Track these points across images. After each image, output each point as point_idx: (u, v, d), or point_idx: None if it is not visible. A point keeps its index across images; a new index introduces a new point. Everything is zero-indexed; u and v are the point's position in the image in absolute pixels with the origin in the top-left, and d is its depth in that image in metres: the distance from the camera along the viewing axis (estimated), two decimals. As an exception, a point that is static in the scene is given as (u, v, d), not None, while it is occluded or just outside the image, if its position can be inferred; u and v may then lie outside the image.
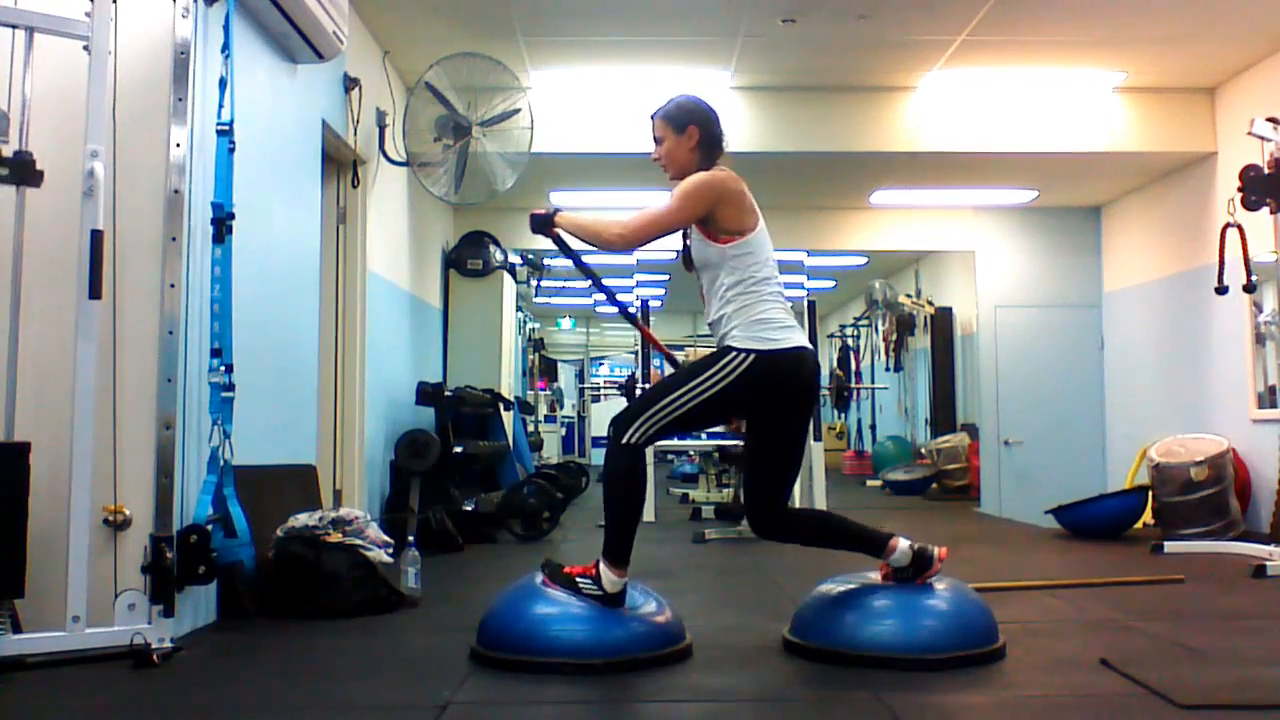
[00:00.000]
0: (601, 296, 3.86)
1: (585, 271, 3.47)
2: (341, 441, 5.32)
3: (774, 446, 3.05)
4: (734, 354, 2.93)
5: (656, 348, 3.82)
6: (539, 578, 3.00)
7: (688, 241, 3.13)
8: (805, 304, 7.61)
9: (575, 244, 3.20)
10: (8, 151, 2.95)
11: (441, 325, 7.64)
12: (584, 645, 2.83)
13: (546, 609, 2.91)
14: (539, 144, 5.87)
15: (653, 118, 3.19)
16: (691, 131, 3.14)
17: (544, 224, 3.15)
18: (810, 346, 3.05)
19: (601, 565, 2.92)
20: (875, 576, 3.08)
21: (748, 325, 2.95)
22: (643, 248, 3.09)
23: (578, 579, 2.93)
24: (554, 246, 3.27)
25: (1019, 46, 5.96)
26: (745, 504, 3.13)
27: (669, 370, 3.28)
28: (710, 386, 2.91)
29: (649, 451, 7.47)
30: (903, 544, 3.01)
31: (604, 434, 3.02)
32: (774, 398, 2.97)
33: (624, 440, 2.89)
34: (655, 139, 3.18)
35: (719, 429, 8.01)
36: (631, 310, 3.79)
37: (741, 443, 3.24)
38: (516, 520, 6.08)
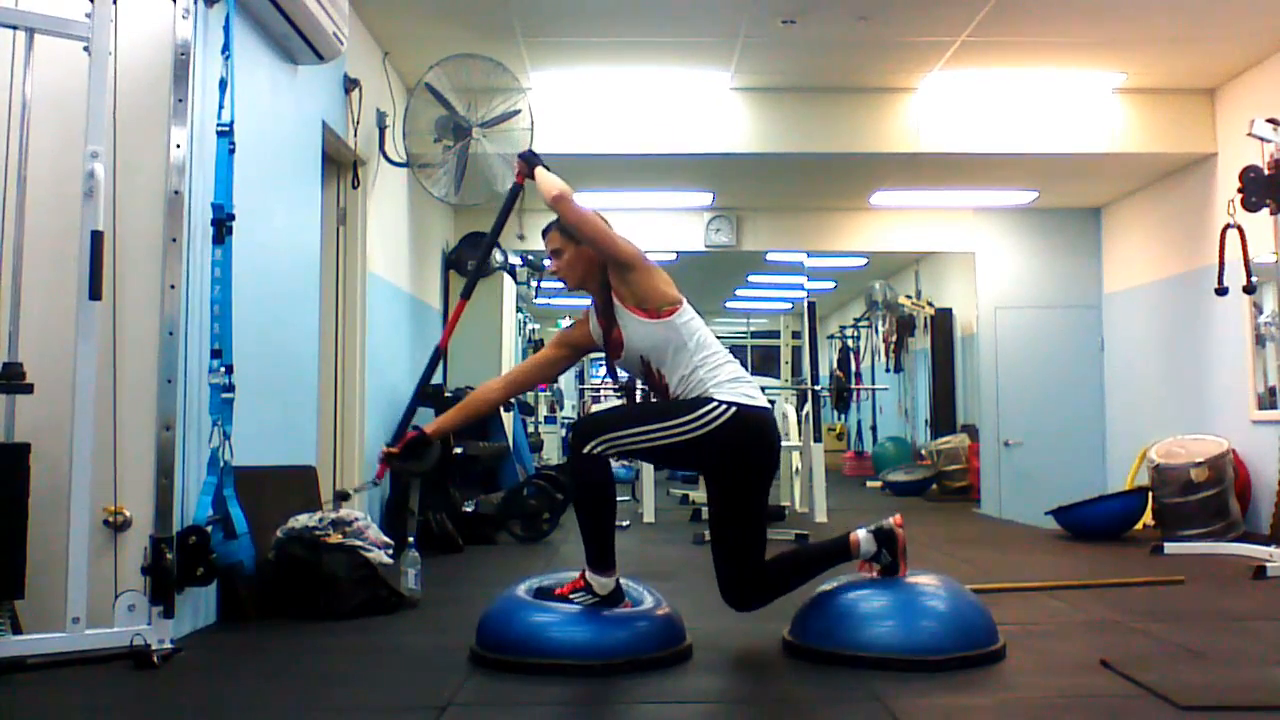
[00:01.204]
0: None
1: (503, 214, 3.51)
2: (341, 441, 5.32)
3: (744, 508, 3.05)
4: (716, 405, 2.92)
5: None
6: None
7: (615, 356, 3.11)
8: (805, 305, 7.62)
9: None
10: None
11: (441, 326, 7.64)
12: (584, 646, 2.83)
13: (546, 611, 2.91)
14: (539, 145, 5.85)
15: (545, 233, 3.17)
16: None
17: (532, 160, 3.20)
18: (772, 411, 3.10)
19: (589, 574, 2.94)
20: (874, 578, 3.09)
21: (724, 383, 2.97)
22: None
23: (570, 595, 2.94)
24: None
25: (1019, 47, 5.96)
26: (722, 580, 3.07)
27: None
28: (686, 431, 2.91)
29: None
30: (861, 534, 3.05)
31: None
32: (747, 454, 2.99)
33: (586, 450, 2.87)
34: (551, 252, 3.15)
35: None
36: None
37: None
38: (516, 521, 6.08)
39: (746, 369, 3.26)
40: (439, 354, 3.69)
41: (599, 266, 3.08)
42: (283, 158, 4.30)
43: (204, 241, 3.38)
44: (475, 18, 5.55)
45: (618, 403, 7.74)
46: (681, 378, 3.00)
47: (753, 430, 2.96)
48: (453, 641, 3.14)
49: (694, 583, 4.60)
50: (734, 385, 2.97)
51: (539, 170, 3.16)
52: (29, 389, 2.93)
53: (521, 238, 8.21)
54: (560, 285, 3.20)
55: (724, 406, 2.91)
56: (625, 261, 3.01)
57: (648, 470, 7.39)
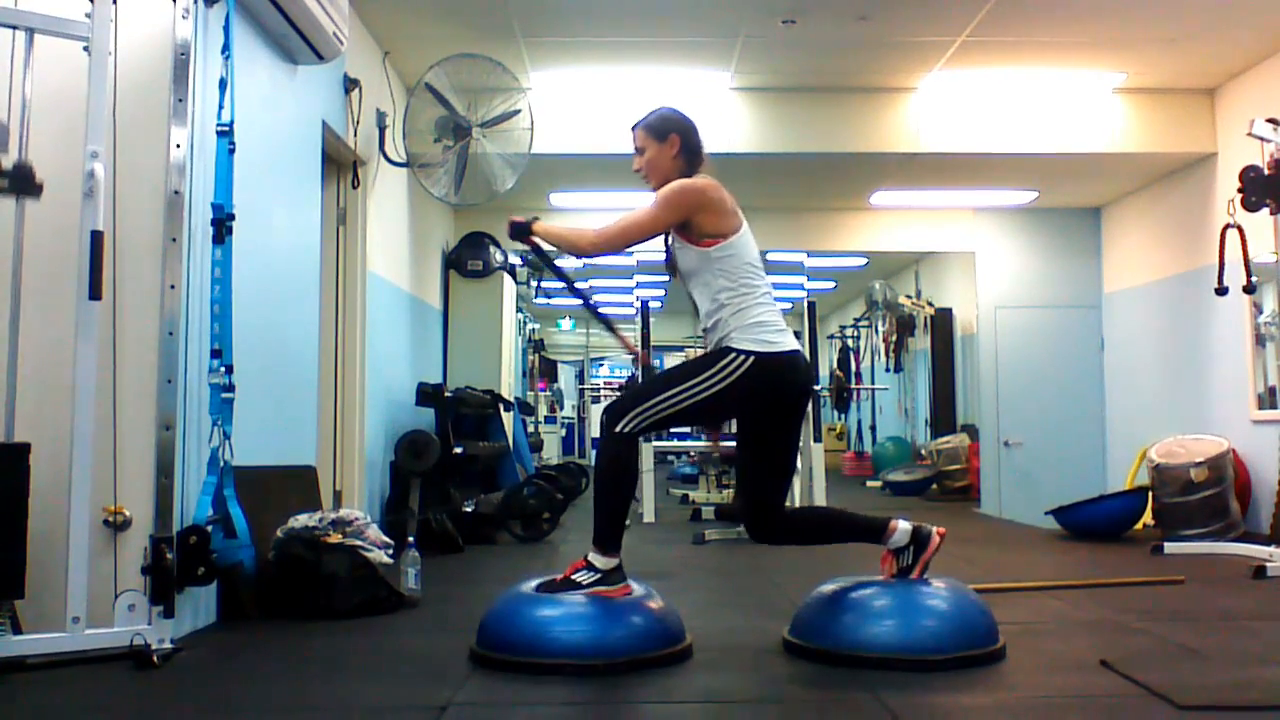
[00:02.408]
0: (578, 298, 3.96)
1: (559, 275, 3.58)
2: (341, 442, 5.32)
3: (770, 450, 3.07)
4: (733, 355, 2.94)
5: (628, 349, 3.86)
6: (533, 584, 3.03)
7: (671, 247, 3.14)
8: (805, 305, 7.61)
9: (553, 251, 3.26)
10: (7, 163, 2.94)
11: (441, 326, 7.64)
12: (584, 646, 2.82)
13: (547, 610, 2.91)
14: (539, 145, 5.87)
15: (634, 129, 3.20)
16: (673, 140, 3.15)
17: (521, 231, 3.20)
18: (801, 350, 3.08)
19: (591, 555, 2.95)
20: (877, 576, 3.09)
21: (745, 328, 2.97)
22: (628, 251, 3.11)
23: (574, 576, 2.95)
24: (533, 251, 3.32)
25: (1019, 47, 5.96)
26: (743, 510, 3.15)
27: (639, 373, 3.32)
28: (709, 386, 2.93)
29: (648, 452, 7.50)
30: (902, 524, 3.06)
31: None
32: (771, 400, 3.00)
33: (617, 429, 2.90)
34: (637, 149, 3.18)
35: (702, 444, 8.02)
36: (603, 311, 3.87)
37: (732, 443, 3.24)
38: (516, 521, 6.08)
39: None
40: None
41: (677, 173, 3.10)
42: (283, 158, 4.30)
43: (204, 241, 3.38)
44: (475, 17, 5.55)
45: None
46: (707, 312, 3.04)
47: (773, 375, 2.96)
48: (453, 641, 3.14)
49: (694, 582, 4.61)
50: (755, 330, 2.97)
51: (539, 229, 3.17)
52: (38, 190, 2.94)
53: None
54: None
55: (742, 356, 2.93)
56: (675, 220, 3.02)
57: (648, 470, 7.40)
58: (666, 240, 3.14)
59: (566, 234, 3.16)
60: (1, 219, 3.05)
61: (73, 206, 3.02)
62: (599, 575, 2.94)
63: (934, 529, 3.07)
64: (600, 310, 3.78)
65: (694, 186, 3.05)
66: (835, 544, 3.19)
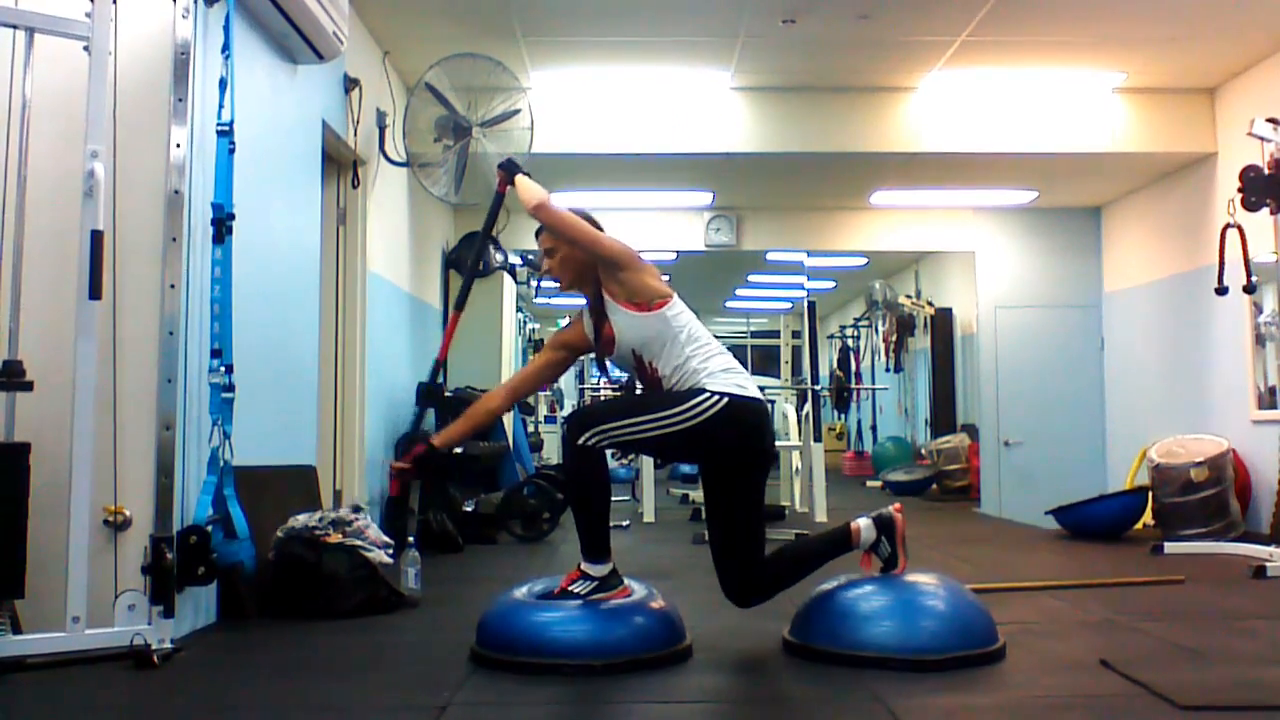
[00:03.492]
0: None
1: (489, 221, 3.51)
2: (341, 441, 5.32)
3: (740, 501, 3.06)
4: (708, 395, 2.93)
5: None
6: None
7: (607, 352, 3.11)
8: (805, 304, 7.60)
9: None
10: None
11: (441, 326, 7.63)
12: (583, 646, 2.82)
13: (546, 610, 2.91)
14: (539, 144, 5.87)
15: (538, 234, 3.15)
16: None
17: (512, 169, 3.22)
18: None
19: (584, 565, 2.95)
20: (874, 577, 3.09)
21: (716, 373, 2.97)
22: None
23: (570, 588, 2.95)
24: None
25: (1019, 47, 5.96)
26: (723, 577, 3.09)
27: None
28: (677, 421, 2.91)
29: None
30: (862, 521, 3.08)
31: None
32: (737, 445, 3.00)
33: (580, 442, 2.88)
34: (545, 251, 3.14)
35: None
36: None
37: None
38: (516, 521, 6.08)
39: (746, 368, 3.26)
40: (438, 366, 3.73)
41: (590, 265, 3.08)
42: (283, 157, 4.30)
43: (204, 241, 3.38)
44: (475, 17, 5.55)
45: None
46: (675, 368, 3.00)
47: (745, 420, 2.97)
48: (453, 641, 3.14)
49: (694, 582, 4.60)
50: (726, 376, 2.98)
51: (519, 179, 3.16)
52: (29, 386, 2.93)
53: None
54: (555, 285, 3.20)
55: (716, 397, 2.92)
56: (612, 259, 3.01)
57: (648, 470, 7.40)
58: (599, 345, 3.12)
59: (531, 190, 3.05)
60: (1, 220, 3.04)
61: (73, 206, 3.02)
62: (595, 583, 2.94)
63: (891, 509, 3.10)
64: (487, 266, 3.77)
65: (630, 248, 3.04)
66: (817, 569, 3.16)
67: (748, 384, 3.01)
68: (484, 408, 3.25)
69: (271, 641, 3.32)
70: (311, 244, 4.65)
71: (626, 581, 3.04)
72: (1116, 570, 4.82)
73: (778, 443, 4.74)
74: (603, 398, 13.67)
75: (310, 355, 4.63)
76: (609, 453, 2.99)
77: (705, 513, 3.16)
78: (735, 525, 3.06)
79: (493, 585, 3.60)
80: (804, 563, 3.17)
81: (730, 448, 3.00)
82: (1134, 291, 7.96)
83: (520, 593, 3.05)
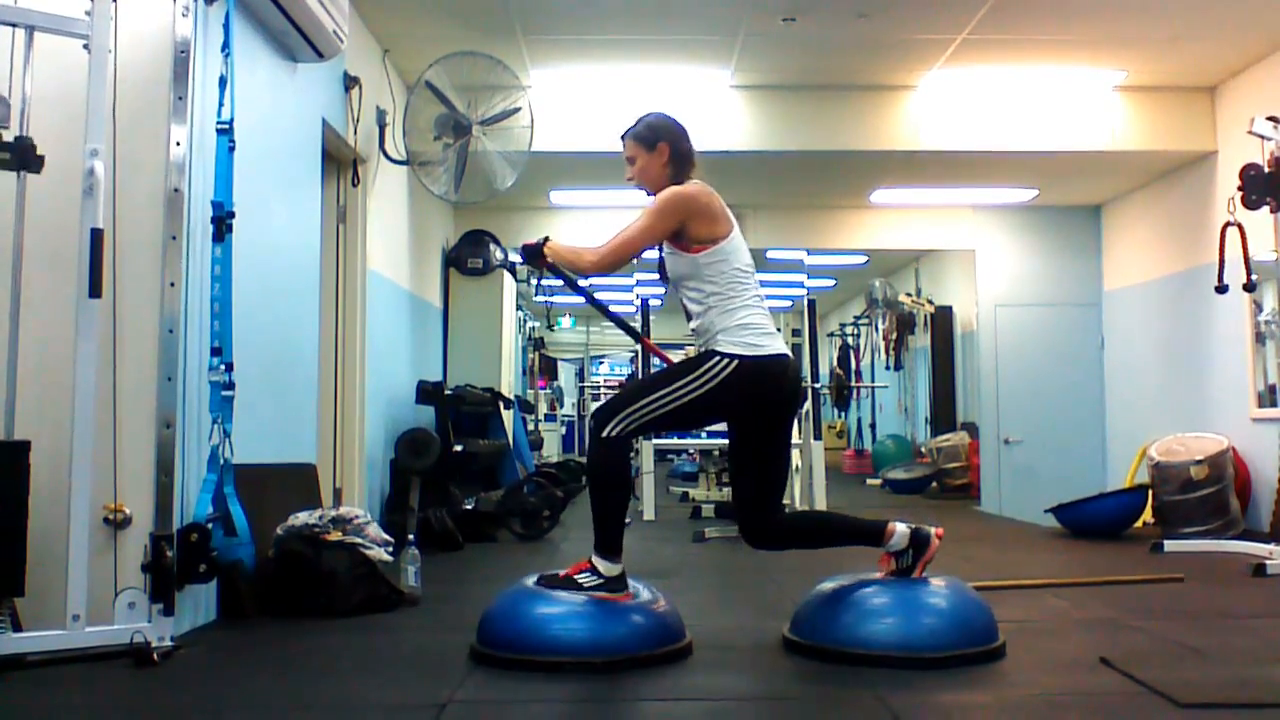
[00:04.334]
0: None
1: (575, 289, 3.62)
2: (341, 440, 5.32)
3: (760, 455, 3.07)
4: (718, 359, 2.95)
5: (658, 355, 3.89)
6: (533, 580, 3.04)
7: (663, 255, 3.16)
8: (805, 302, 7.60)
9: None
10: (8, 136, 2.95)
11: (441, 324, 7.64)
12: (584, 644, 2.83)
13: (546, 608, 2.91)
14: (539, 143, 5.87)
15: (623, 138, 3.24)
16: (662, 148, 3.19)
17: (535, 254, 3.24)
18: (789, 354, 3.09)
19: (595, 559, 2.96)
20: (876, 575, 3.09)
21: (731, 331, 2.99)
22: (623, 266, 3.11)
23: (576, 577, 2.95)
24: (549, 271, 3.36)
25: (1019, 46, 5.95)
26: (738, 517, 3.15)
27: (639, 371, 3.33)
28: (693, 389, 2.94)
29: (649, 450, 7.50)
30: (900, 527, 3.06)
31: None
32: (758, 404, 3.00)
33: (605, 434, 2.92)
34: (628, 159, 3.22)
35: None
36: (621, 314, 3.85)
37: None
38: (517, 519, 6.08)
39: None
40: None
41: (667, 177, 3.15)
42: (283, 155, 4.30)
43: (204, 239, 3.38)
44: (475, 15, 5.55)
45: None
46: (698, 313, 3.06)
47: (757, 379, 2.97)
48: (453, 639, 3.14)
49: (694, 580, 4.61)
50: (740, 333, 2.98)
51: (549, 250, 3.18)
52: (39, 164, 2.95)
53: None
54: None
55: (726, 360, 2.95)
56: (668, 230, 3.06)
57: (648, 469, 7.40)
58: (659, 249, 3.16)
59: (568, 254, 3.18)
60: (2, 218, 3.04)
61: (73, 204, 3.02)
62: (601, 580, 2.94)
63: (932, 530, 3.07)
64: (621, 317, 3.81)
65: (684, 195, 3.08)
66: (835, 546, 3.18)
67: (762, 340, 2.99)
68: (586, 257, 3.16)
69: (271, 639, 3.32)
70: (311, 242, 4.65)
71: (631, 585, 3.04)
72: (1116, 568, 4.82)
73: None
74: (602, 395, 13.69)
75: (310, 353, 4.63)
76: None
77: (729, 457, 3.19)
78: (755, 472, 3.08)
79: (493, 583, 3.60)
80: (825, 532, 3.19)
81: (749, 406, 3.01)
82: (1134, 290, 7.96)
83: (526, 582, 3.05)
